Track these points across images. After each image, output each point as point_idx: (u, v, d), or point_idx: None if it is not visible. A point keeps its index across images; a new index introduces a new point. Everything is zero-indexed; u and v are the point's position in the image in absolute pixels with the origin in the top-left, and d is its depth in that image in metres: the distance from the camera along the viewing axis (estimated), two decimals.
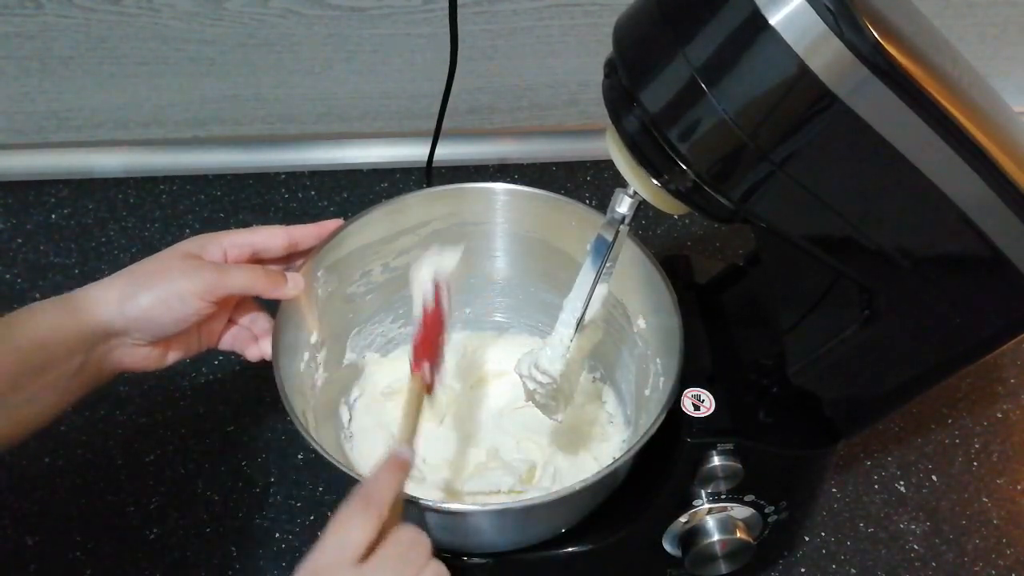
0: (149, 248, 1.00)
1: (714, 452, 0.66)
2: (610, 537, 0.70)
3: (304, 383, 0.72)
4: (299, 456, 0.84)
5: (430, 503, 0.59)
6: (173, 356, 0.67)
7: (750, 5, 0.46)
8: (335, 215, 0.74)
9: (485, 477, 0.75)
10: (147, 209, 1.06)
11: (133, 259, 0.65)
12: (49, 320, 0.60)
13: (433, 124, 0.92)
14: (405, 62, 1.04)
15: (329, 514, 0.80)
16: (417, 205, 0.77)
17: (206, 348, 0.69)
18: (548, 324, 0.71)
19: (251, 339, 0.70)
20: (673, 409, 0.65)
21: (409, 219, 0.77)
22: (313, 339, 0.74)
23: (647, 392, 0.73)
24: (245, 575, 0.77)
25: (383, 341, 0.83)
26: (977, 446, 0.88)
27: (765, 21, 0.45)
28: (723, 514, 0.70)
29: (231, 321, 0.70)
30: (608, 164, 0.61)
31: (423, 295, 0.67)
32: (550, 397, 0.68)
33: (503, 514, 0.64)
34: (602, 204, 0.70)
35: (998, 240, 0.53)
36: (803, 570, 0.79)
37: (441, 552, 0.55)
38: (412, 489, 0.58)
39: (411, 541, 0.53)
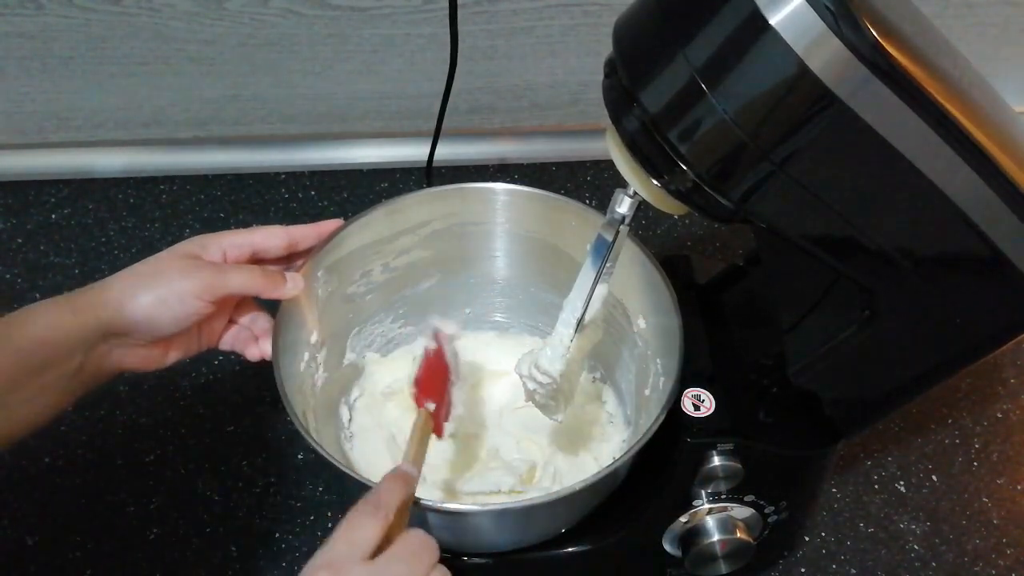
0: (149, 248, 1.00)
1: (714, 452, 0.66)
2: (610, 537, 0.70)
3: (304, 383, 0.72)
4: (299, 456, 0.84)
5: (430, 503, 0.59)
6: (173, 356, 0.67)
7: (750, 5, 0.46)
8: (335, 215, 0.74)
9: (485, 477, 0.75)
10: (147, 209, 1.06)
11: (133, 259, 0.65)
12: (49, 320, 0.60)
13: (433, 124, 0.92)
14: (405, 62, 1.04)
15: (329, 514, 0.81)
16: (417, 205, 0.77)
17: (206, 348, 0.69)
18: (548, 324, 0.71)
19: (251, 339, 0.70)
20: (673, 409, 0.65)
21: (409, 219, 0.77)
22: (313, 339, 0.74)
23: (647, 392, 0.73)
24: (245, 575, 0.77)
25: (383, 341, 0.83)
26: (977, 446, 0.88)
27: (765, 21, 0.45)
28: (723, 514, 0.70)
29: (231, 321, 0.70)
30: (608, 164, 0.61)
31: (426, 343, 0.69)
32: (550, 397, 0.68)
33: (503, 514, 0.64)
34: (602, 204, 0.70)
35: (998, 240, 0.53)
36: (803, 570, 0.79)
37: (441, 552, 0.55)
38: None
39: (420, 542, 0.54)
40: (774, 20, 0.45)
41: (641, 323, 0.75)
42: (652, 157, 0.53)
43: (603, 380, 0.83)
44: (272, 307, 0.69)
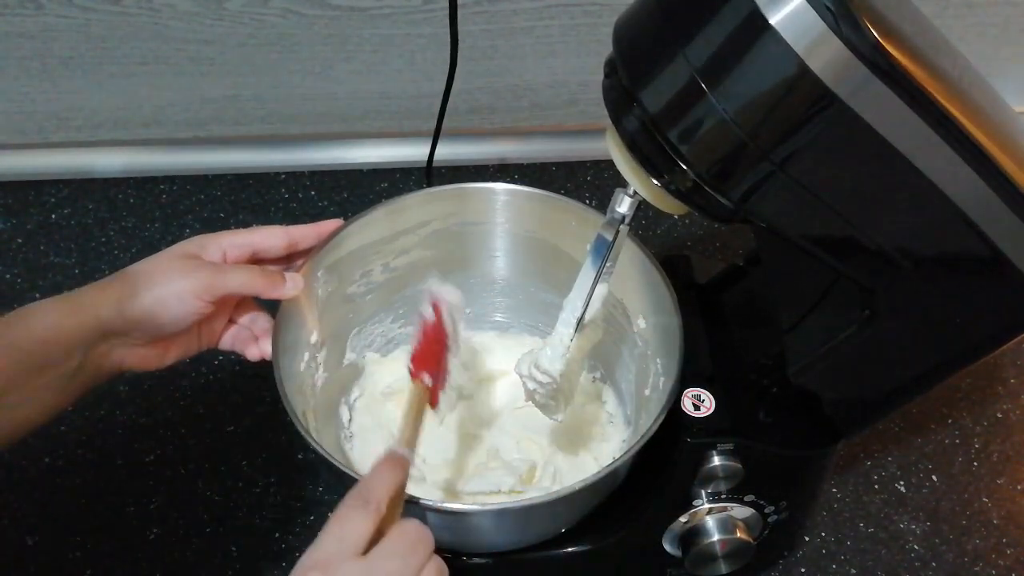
0: (149, 248, 1.00)
1: (714, 452, 0.66)
2: (610, 537, 0.70)
3: (304, 383, 0.72)
4: (299, 456, 0.84)
5: (430, 503, 0.59)
6: (173, 356, 0.67)
7: (750, 5, 0.46)
8: (335, 215, 0.74)
9: (485, 477, 0.75)
10: (147, 209, 1.06)
11: (133, 259, 0.65)
12: (48, 320, 0.60)
13: (433, 124, 0.92)
14: (405, 62, 1.04)
15: (329, 514, 0.81)
16: (417, 205, 0.77)
17: (206, 348, 0.69)
18: (548, 324, 0.71)
19: (251, 339, 0.70)
20: (673, 409, 0.65)
21: (409, 219, 0.77)
22: (313, 339, 0.74)
23: (647, 392, 0.73)
24: (245, 575, 0.77)
25: (383, 341, 0.83)
26: (977, 446, 0.88)
27: (765, 21, 0.45)
28: (723, 514, 0.70)
29: (231, 321, 0.70)
30: (608, 164, 0.61)
31: (421, 308, 0.66)
32: (550, 397, 0.68)
33: (503, 514, 0.64)
34: (602, 204, 0.70)
35: (998, 240, 0.53)
36: (803, 570, 0.79)
37: (441, 552, 0.54)
38: (412, 489, 0.58)
39: (415, 534, 0.53)
40: (774, 20, 0.45)
41: (641, 323, 0.75)
42: (652, 157, 0.53)
43: (603, 380, 0.83)
44: (272, 307, 0.69)
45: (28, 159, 1.08)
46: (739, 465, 0.66)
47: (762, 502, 0.70)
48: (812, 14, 0.45)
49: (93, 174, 1.09)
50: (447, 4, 0.83)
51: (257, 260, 0.69)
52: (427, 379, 0.63)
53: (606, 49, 0.54)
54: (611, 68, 0.54)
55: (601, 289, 0.64)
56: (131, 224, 1.05)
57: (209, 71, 1.03)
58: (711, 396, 0.67)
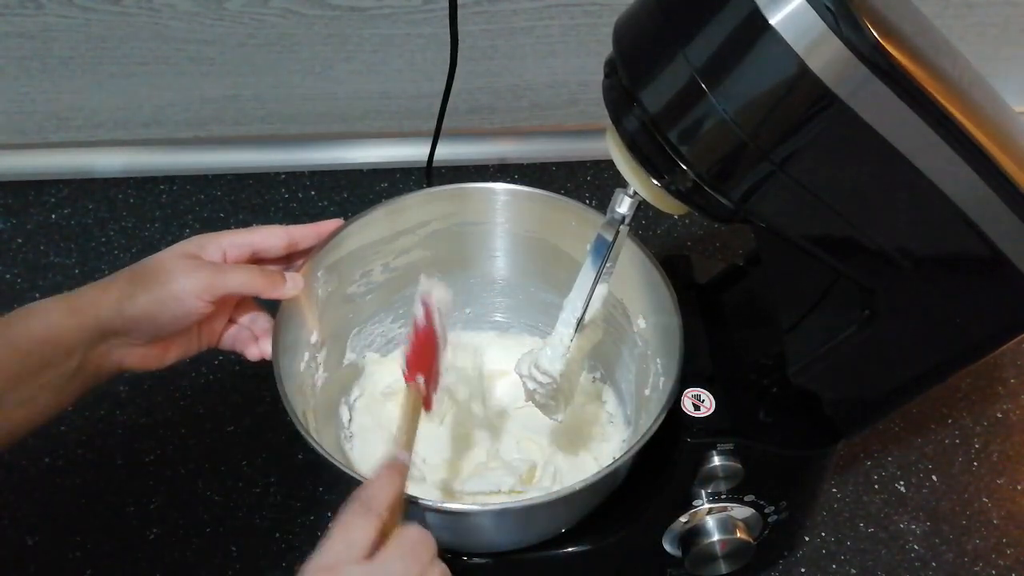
0: (149, 248, 1.00)
1: (714, 452, 0.66)
2: (610, 537, 0.70)
3: (304, 383, 0.72)
4: (299, 456, 0.84)
5: (430, 503, 0.59)
6: (173, 356, 0.67)
7: (750, 5, 0.46)
8: (335, 215, 0.74)
9: (485, 477, 0.75)
10: (147, 209, 1.06)
11: (133, 259, 0.65)
12: (48, 319, 0.60)
13: (433, 124, 0.92)
14: (405, 62, 1.04)
15: (330, 514, 0.81)
16: (417, 205, 0.77)
17: (206, 348, 0.69)
18: (548, 324, 0.71)
19: (251, 338, 0.70)
20: (673, 409, 0.65)
21: (409, 219, 0.77)
22: (313, 339, 0.74)
23: (647, 392, 0.73)
24: (245, 575, 0.77)
25: (383, 341, 0.83)
26: (977, 446, 0.88)
27: (765, 21, 0.45)
28: (723, 514, 0.70)
29: (231, 321, 0.70)
30: (608, 164, 0.61)
31: (414, 310, 0.67)
32: (550, 397, 0.68)
33: (503, 514, 0.64)
34: (602, 204, 0.70)
35: (998, 240, 0.53)
36: (803, 570, 0.79)
37: (441, 552, 0.55)
38: (412, 489, 0.58)
39: (418, 538, 0.53)
40: (774, 20, 0.45)
41: (641, 323, 0.75)
42: (652, 157, 0.53)
43: (603, 380, 0.83)
44: (272, 307, 0.69)
45: (28, 159, 1.08)
46: (739, 465, 0.66)
47: (762, 502, 0.70)
48: (812, 14, 0.45)
49: (93, 174, 1.09)
50: (447, 4, 0.83)
51: (257, 260, 0.69)
52: (421, 381, 0.64)
53: (606, 49, 0.54)
54: (611, 68, 0.54)
55: (601, 289, 0.64)
56: (131, 224, 1.05)
57: (209, 71, 1.03)
58: (711, 396, 0.67)
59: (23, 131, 1.08)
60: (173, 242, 0.66)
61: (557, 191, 0.78)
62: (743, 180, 0.50)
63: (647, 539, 0.72)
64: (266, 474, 0.83)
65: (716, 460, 0.66)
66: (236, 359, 0.71)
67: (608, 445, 0.79)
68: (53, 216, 1.05)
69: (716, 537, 0.70)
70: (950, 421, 0.90)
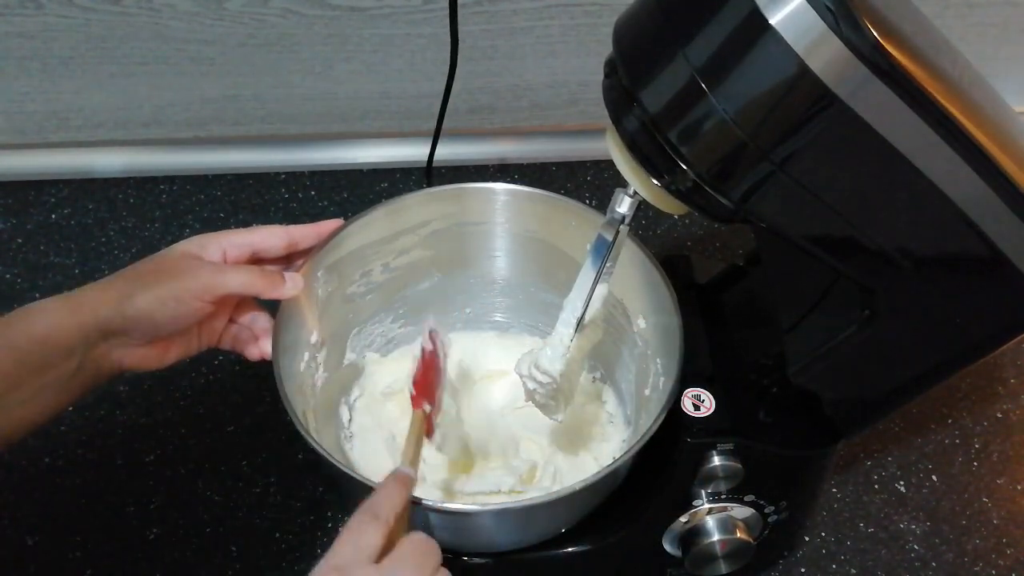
0: (149, 248, 1.00)
1: (714, 452, 0.66)
2: (610, 537, 0.70)
3: (304, 383, 0.72)
4: (299, 456, 0.84)
5: (431, 503, 0.59)
6: (173, 355, 0.67)
7: (750, 5, 0.46)
8: (335, 215, 0.74)
9: (485, 477, 0.75)
10: (147, 209, 1.06)
11: (133, 259, 0.65)
12: (48, 320, 0.60)
13: (433, 124, 0.92)
14: (405, 62, 1.04)
15: (329, 514, 0.81)
16: (417, 205, 0.77)
17: (206, 348, 0.69)
18: (548, 324, 0.71)
19: (251, 339, 0.70)
20: (673, 409, 0.65)
21: (409, 219, 0.77)
22: (313, 339, 0.74)
23: (647, 392, 0.73)
24: (245, 575, 0.77)
25: (383, 341, 0.83)
26: (977, 446, 0.88)
27: (765, 21, 0.45)
28: (723, 514, 0.70)
29: (231, 321, 0.70)
30: (608, 164, 0.61)
31: (422, 341, 0.69)
32: (550, 397, 0.68)
33: (503, 514, 0.64)
34: (602, 204, 0.70)
35: (998, 240, 0.53)
36: (803, 570, 0.79)
37: (442, 552, 0.55)
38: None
39: (424, 546, 0.54)
40: (774, 20, 0.45)
41: (641, 323, 0.75)
42: (652, 157, 0.53)
43: (603, 380, 0.83)
44: (272, 307, 0.69)
45: (28, 159, 1.08)
46: (739, 465, 0.66)
47: (762, 502, 0.70)
48: (812, 14, 0.45)
49: (93, 174, 1.09)
50: (447, 4, 0.83)
51: (257, 260, 0.69)
52: (427, 407, 0.66)
53: (606, 49, 0.54)
54: (611, 68, 0.54)
55: (601, 289, 0.64)
56: (131, 224, 1.05)
57: (209, 71, 1.03)
58: (711, 396, 0.67)
59: (23, 131, 1.08)
60: (173, 242, 0.66)
61: (557, 191, 0.78)
62: (743, 180, 0.50)
63: (647, 539, 0.72)
64: (266, 474, 0.83)
65: (716, 460, 0.66)
66: (236, 359, 0.71)
67: (608, 445, 0.79)
68: (53, 216, 1.05)
69: (716, 537, 0.70)
70: (950, 421, 0.90)
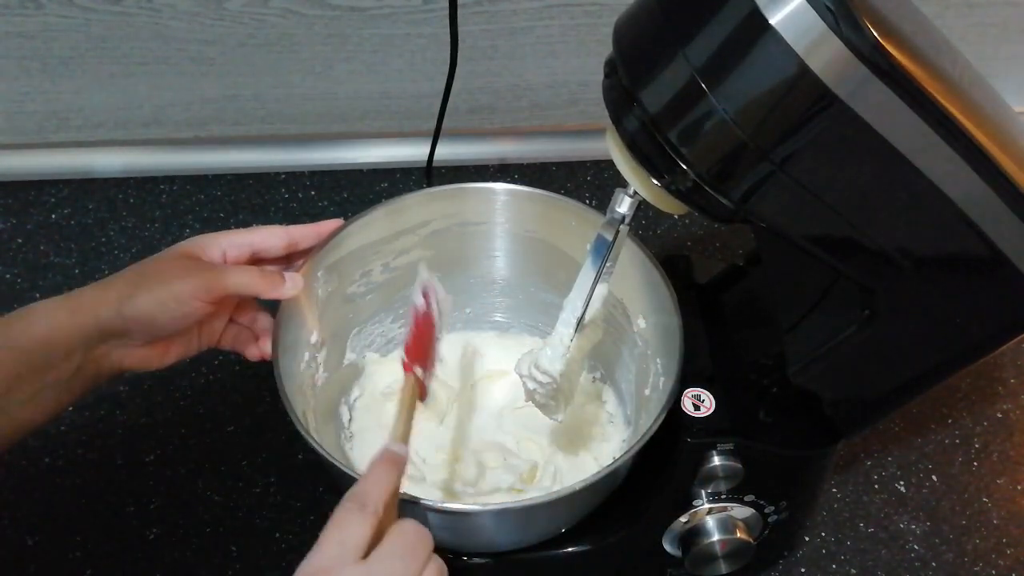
0: (149, 248, 1.00)
1: (714, 452, 0.66)
2: (610, 537, 0.70)
3: (304, 383, 0.72)
4: (299, 456, 0.84)
5: (431, 503, 0.59)
6: (173, 356, 0.67)
7: (750, 5, 0.46)
8: (335, 215, 0.74)
9: (485, 477, 0.75)
10: (147, 209, 1.06)
11: (133, 259, 0.65)
12: (48, 320, 0.60)
13: (433, 124, 0.92)
14: (405, 62, 1.04)
15: (329, 514, 0.81)
16: (417, 205, 0.77)
17: (206, 348, 0.69)
18: (548, 324, 0.71)
19: (251, 339, 0.70)
20: (673, 409, 0.65)
21: (409, 219, 0.77)
22: (313, 339, 0.74)
23: (647, 392, 0.73)
24: (245, 575, 0.77)
25: (383, 341, 0.83)
26: (977, 446, 0.88)
27: (765, 21, 0.45)
28: (723, 514, 0.70)
29: (231, 321, 0.70)
30: (608, 164, 0.61)
31: (413, 298, 0.67)
32: (550, 397, 0.68)
33: (503, 514, 0.64)
34: (602, 204, 0.70)
35: (998, 240, 0.53)
36: (803, 570, 0.79)
37: (441, 552, 0.54)
38: (412, 489, 0.58)
39: (414, 535, 0.52)
40: (774, 20, 0.45)
41: (641, 323, 0.75)
42: (652, 157, 0.53)
43: (603, 380, 0.83)
44: (272, 307, 0.69)
45: (28, 159, 1.08)
46: (739, 465, 0.66)
47: (762, 502, 0.70)
48: (812, 14, 0.45)
49: (93, 174, 1.09)
50: (447, 4, 0.83)
51: (257, 260, 0.69)
52: (419, 371, 0.64)
53: (606, 49, 0.54)
54: (611, 68, 0.54)
55: (601, 289, 0.64)
56: (131, 224, 1.05)
57: (209, 71, 1.03)
58: (711, 396, 0.67)
59: (23, 131, 1.08)
60: (173, 242, 0.66)
61: (557, 191, 0.78)
62: (743, 180, 0.50)
63: (647, 539, 0.72)
64: (266, 474, 0.83)
65: (716, 460, 0.66)
66: (236, 359, 0.71)
67: (608, 445, 0.79)
68: (53, 216, 1.05)
69: (716, 537, 0.70)
70: (950, 421, 0.90)
